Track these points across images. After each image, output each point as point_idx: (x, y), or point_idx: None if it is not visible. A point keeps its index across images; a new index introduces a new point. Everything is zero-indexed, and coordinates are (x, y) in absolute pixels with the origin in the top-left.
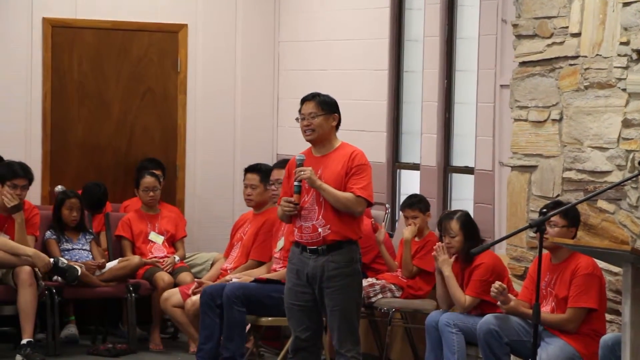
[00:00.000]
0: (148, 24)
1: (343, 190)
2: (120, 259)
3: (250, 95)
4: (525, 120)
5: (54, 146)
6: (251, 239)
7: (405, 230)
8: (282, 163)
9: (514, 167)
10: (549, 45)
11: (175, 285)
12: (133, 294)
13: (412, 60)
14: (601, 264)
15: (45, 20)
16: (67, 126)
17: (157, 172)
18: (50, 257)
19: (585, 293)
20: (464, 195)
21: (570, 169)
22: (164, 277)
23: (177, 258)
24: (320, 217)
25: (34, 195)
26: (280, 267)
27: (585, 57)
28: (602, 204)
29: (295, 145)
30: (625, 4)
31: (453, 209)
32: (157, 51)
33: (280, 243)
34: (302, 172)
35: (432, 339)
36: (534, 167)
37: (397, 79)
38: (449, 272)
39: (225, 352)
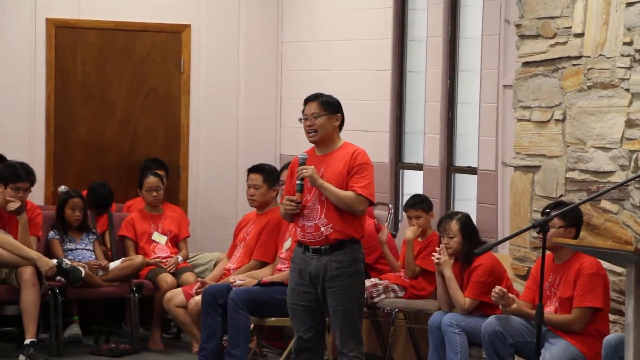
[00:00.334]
0: (151, 25)
1: (345, 189)
2: (123, 258)
3: (253, 95)
4: (529, 121)
5: (57, 146)
6: (254, 239)
7: (407, 231)
8: None
9: (517, 167)
10: (552, 46)
11: (178, 285)
12: (136, 294)
13: (415, 61)
14: (605, 264)
15: (48, 21)
16: (70, 126)
17: (160, 172)
18: (53, 257)
19: (591, 292)
20: (467, 195)
21: (573, 169)
22: (167, 278)
23: (180, 258)
24: (323, 216)
25: (37, 195)
26: (286, 268)
27: (589, 57)
28: (605, 204)
29: (298, 145)
30: (629, 4)
31: (456, 209)
32: (160, 51)
33: (287, 244)
34: (304, 170)
35: (434, 339)
36: (537, 167)
37: (400, 79)
38: (450, 273)
39: (230, 359)
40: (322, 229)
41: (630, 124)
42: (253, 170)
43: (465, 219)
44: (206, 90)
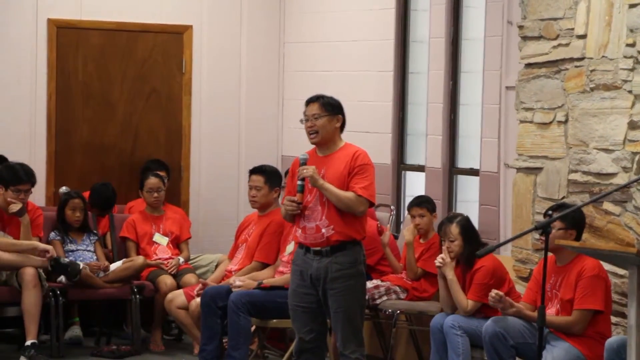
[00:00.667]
0: (153, 25)
1: (346, 190)
2: (124, 259)
3: (255, 96)
4: (531, 122)
5: (58, 147)
6: (256, 241)
7: (405, 232)
8: None
9: (519, 169)
10: (554, 47)
11: (180, 286)
12: (137, 296)
13: (418, 62)
14: (607, 266)
15: (50, 21)
16: (72, 127)
17: (162, 173)
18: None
19: (592, 295)
20: (469, 197)
21: (575, 171)
22: (166, 280)
23: (181, 259)
24: (324, 217)
25: (38, 196)
26: (288, 271)
27: (591, 58)
28: (607, 206)
29: (300, 146)
30: (632, 6)
31: (458, 211)
32: (162, 52)
33: (290, 247)
34: (304, 171)
35: (436, 341)
36: (540, 168)
37: (403, 80)
38: (452, 275)
39: None
40: (323, 230)
41: (632, 125)
42: (254, 171)
43: (465, 222)
44: (208, 91)
